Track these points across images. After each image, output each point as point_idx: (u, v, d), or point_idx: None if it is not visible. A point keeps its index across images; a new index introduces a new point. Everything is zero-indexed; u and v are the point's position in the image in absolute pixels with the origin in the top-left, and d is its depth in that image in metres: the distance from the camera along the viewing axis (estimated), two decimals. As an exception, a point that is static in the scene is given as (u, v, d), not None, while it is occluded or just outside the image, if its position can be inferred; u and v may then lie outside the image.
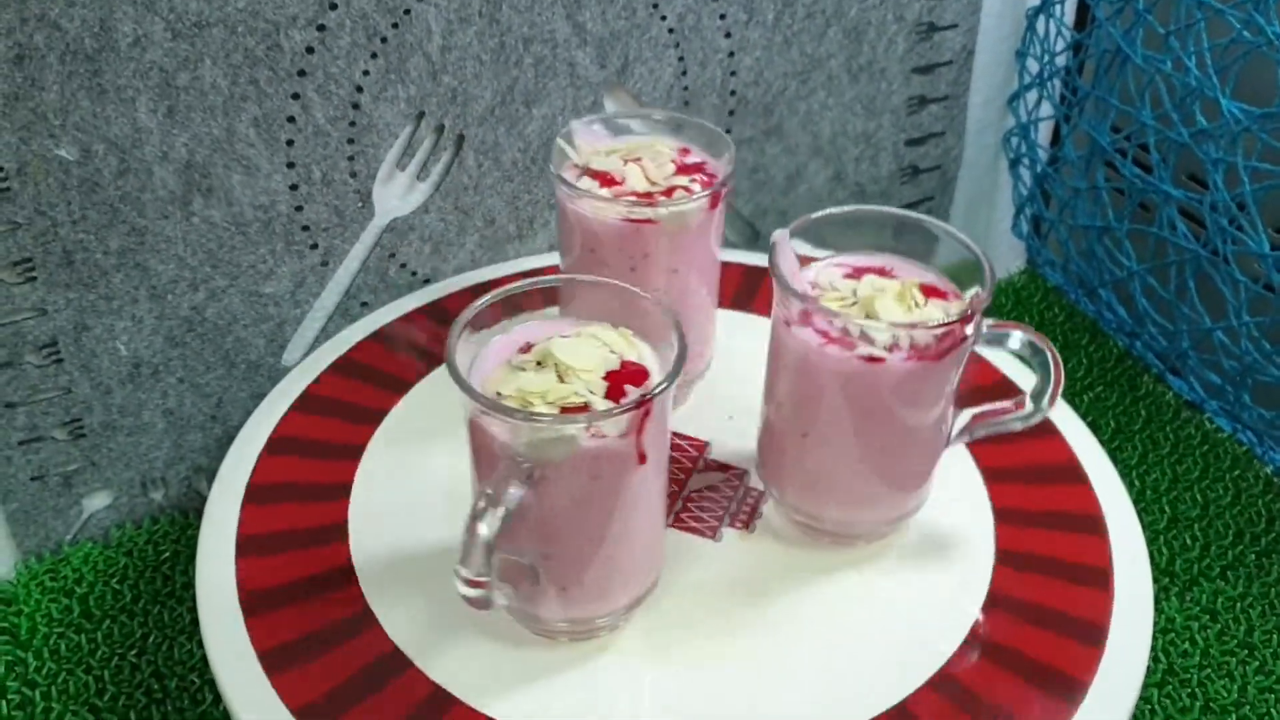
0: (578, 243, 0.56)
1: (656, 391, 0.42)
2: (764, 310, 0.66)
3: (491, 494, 0.41)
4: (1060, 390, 0.50)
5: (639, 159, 0.56)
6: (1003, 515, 0.56)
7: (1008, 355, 0.64)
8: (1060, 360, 0.50)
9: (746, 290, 0.69)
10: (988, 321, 0.49)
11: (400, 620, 0.49)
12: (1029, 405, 0.51)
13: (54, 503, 0.64)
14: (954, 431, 0.52)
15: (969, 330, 0.48)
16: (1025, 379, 0.64)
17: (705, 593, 0.51)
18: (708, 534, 0.53)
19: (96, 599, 0.62)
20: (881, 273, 0.51)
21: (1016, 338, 0.50)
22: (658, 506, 0.47)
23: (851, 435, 0.50)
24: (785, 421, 0.52)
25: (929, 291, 0.50)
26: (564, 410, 0.42)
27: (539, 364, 0.44)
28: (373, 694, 0.46)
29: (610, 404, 0.43)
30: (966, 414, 0.52)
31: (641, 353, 0.46)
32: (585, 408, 0.42)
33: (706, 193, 0.54)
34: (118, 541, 0.66)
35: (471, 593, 0.43)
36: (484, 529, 0.41)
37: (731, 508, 0.54)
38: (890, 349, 0.47)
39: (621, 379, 0.44)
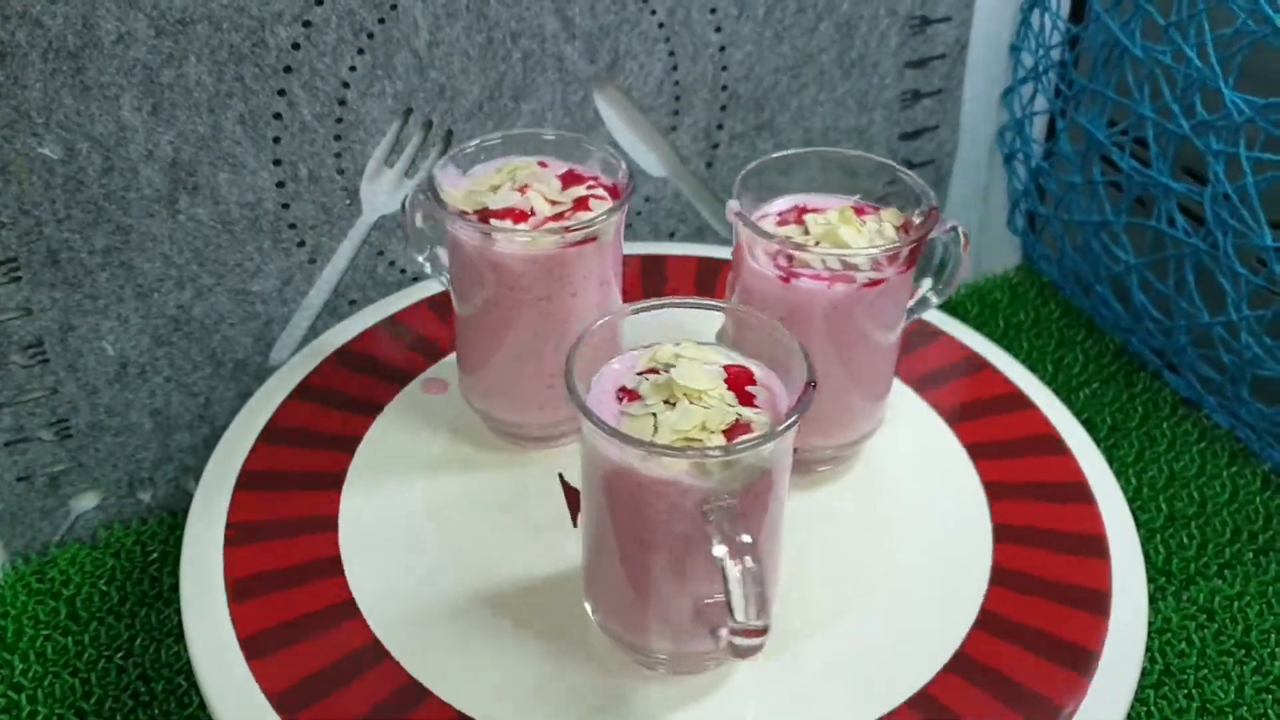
0: (493, 284, 0.53)
1: (813, 378, 0.42)
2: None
3: (731, 544, 0.39)
4: (960, 275, 0.54)
5: (527, 185, 0.53)
6: (994, 490, 0.57)
7: (1014, 363, 0.65)
8: (968, 241, 0.54)
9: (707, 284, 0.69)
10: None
11: (383, 611, 0.49)
12: (928, 284, 0.56)
13: (41, 504, 0.64)
14: None
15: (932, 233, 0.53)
16: (1034, 388, 0.63)
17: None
18: None
19: (84, 601, 0.62)
20: (810, 210, 0.54)
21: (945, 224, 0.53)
22: None
23: (851, 361, 0.53)
24: None
25: (858, 212, 0.54)
26: (728, 434, 0.41)
27: (667, 402, 0.42)
28: (351, 682, 0.46)
29: (758, 410, 0.42)
30: None
31: (728, 354, 0.45)
32: (739, 423, 0.42)
33: (618, 203, 0.52)
34: (105, 542, 0.65)
35: (755, 643, 0.41)
36: (757, 571, 0.39)
37: None
38: (876, 267, 0.51)
39: (738, 383, 0.43)
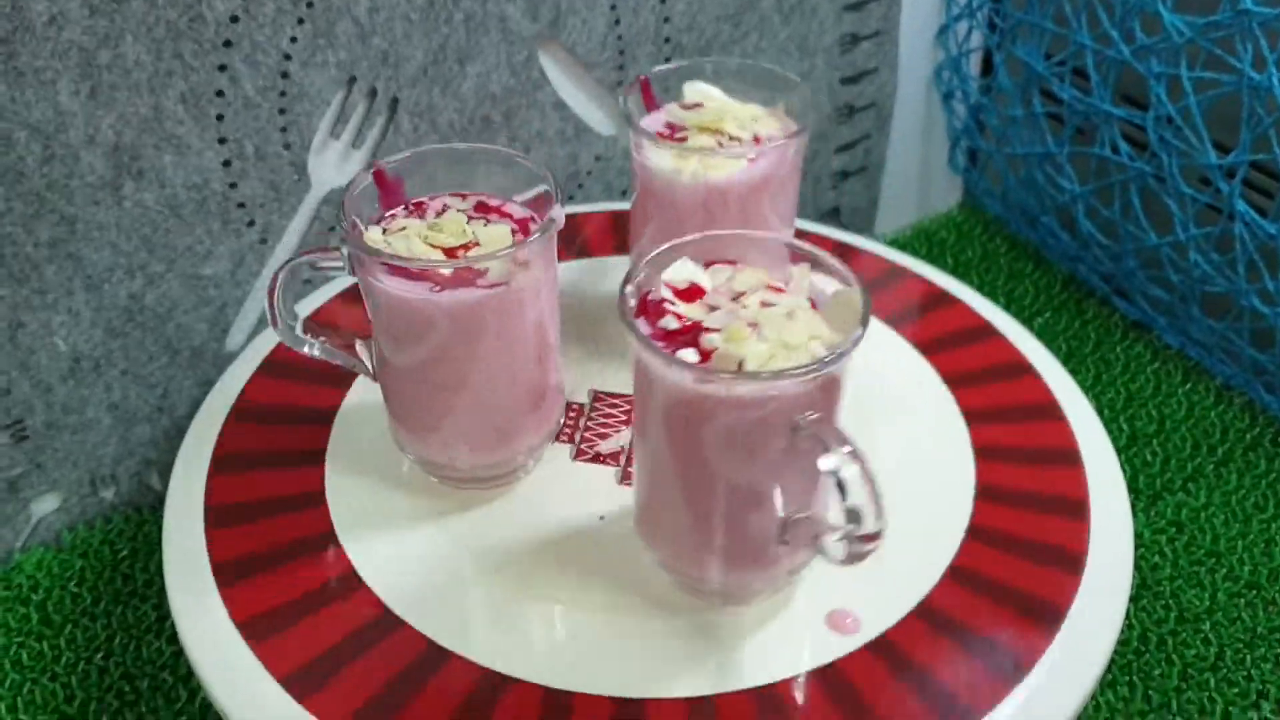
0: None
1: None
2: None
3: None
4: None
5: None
6: (983, 452, 0.56)
7: (1021, 329, 0.64)
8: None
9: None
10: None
11: (388, 580, 0.49)
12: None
13: (0, 510, 0.62)
14: None
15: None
16: (1001, 319, 0.64)
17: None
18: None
19: (55, 604, 0.60)
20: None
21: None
22: None
23: None
24: None
25: None
26: None
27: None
28: (362, 656, 0.45)
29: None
30: None
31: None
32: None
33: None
34: (71, 544, 0.64)
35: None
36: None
37: None
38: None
39: None
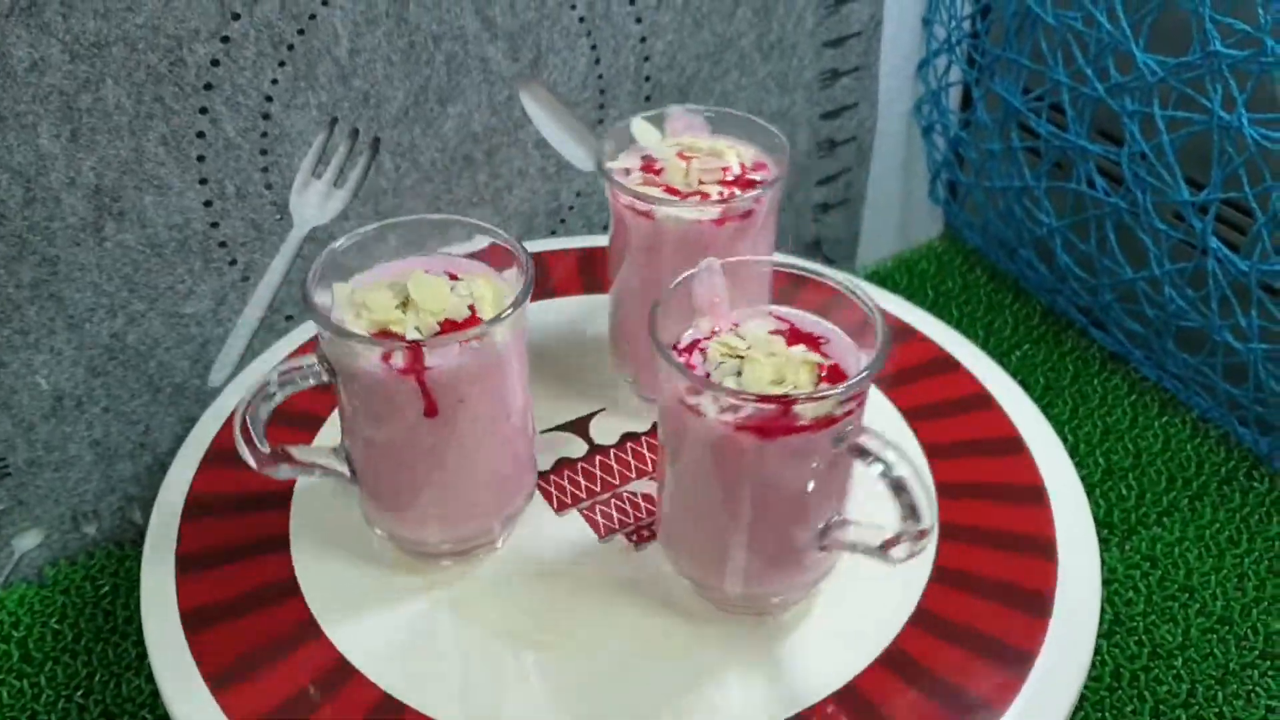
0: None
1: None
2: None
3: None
4: (926, 539, 0.43)
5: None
6: (944, 490, 0.55)
7: (984, 361, 0.63)
8: (929, 502, 0.43)
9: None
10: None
11: (347, 629, 0.49)
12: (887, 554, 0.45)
13: (-18, 546, 0.62)
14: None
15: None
16: (966, 351, 0.64)
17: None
18: (600, 532, 0.53)
19: (36, 641, 0.60)
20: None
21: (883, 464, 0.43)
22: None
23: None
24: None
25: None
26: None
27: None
28: (326, 702, 0.46)
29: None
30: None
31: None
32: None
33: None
34: (53, 580, 0.64)
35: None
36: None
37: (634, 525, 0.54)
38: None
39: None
